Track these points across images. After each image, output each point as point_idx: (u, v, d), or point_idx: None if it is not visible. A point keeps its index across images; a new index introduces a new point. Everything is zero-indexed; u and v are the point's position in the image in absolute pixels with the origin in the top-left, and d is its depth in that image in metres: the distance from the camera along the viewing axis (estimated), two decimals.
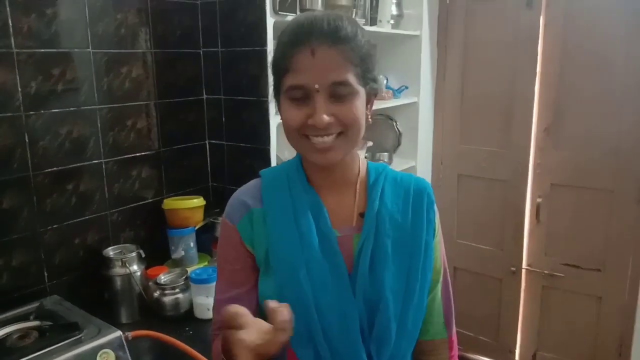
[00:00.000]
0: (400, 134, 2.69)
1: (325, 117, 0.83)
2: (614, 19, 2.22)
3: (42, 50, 1.54)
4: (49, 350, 1.21)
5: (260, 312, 0.95)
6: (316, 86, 0.83)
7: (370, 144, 2.33)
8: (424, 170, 2.78)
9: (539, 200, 2.54)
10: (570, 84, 2.37)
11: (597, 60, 2.28)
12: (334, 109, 0.84)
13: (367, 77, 0.88)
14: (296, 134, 0.87)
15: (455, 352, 1.04)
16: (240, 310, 0.69)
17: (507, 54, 2.51)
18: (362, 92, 0.87)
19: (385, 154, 2.57)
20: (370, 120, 0.93)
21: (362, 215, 0.94)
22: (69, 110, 1.62)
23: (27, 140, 1.52)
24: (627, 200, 2.30)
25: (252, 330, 0.68)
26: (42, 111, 1.55)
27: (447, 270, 1.04)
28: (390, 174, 0.99)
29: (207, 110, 2.03)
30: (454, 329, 1.04)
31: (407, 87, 2.58)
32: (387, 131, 2.70)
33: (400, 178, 0.99)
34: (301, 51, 0.83)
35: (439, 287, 1.00)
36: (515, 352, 2.77)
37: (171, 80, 1.91)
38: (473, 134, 2.71)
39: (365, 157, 2.36)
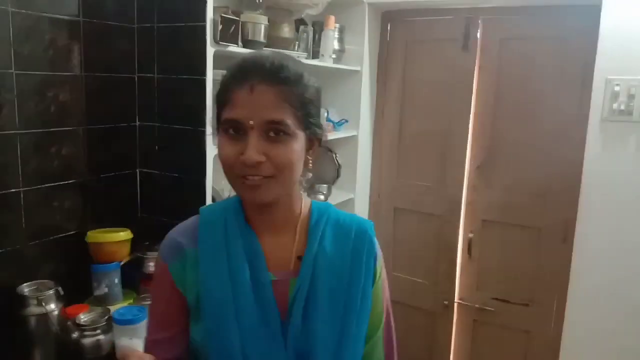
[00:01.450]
0: (339, 166, 2.70)
1: (255, 155, 0.81)
2: (543, 70, 2.34)
3: None
4: None
5: (191, 356, 0.93)
6: (250, 122, 0.81)
7: (309, 175, 2.31)
8: (361, 203, 2.79)
9: (470, 235, 2.61)
10: (502, 126, 2.47)
11: (527, 107, 2.39)
12: (267, 148, 0.82)
13: (309, 122, 0.86)
14: (230, 170, 0.85)
15: None
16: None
17: (443, 93, 2.59)
18: (300, 136, 0.85)
19: (325, 185, 2.56)
20: (311, 165, 0.91)
21: (300, 258, 0.91)
22: None
23: None
24: (553, 238, 2.40)
25: None
26: None
27: (391, 314, 1.01)
28: (333, 216, 0.96)
29: (140, 138, 1.95)
30: None
31: (347, 121, 2.60)
32: (326, 163, 2.70)
33: (343, 220, 0.96)
34: (241, 86, 0.82)
35: (380, 332, 0.97)
36: None
37: (102, 105, 1.82)
38: (409, 169, 2.76)
39: (303, 188, 2.34)
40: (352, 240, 0.94)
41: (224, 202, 0.98)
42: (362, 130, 2.67)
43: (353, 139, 2.64)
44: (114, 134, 1.88)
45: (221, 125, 0.85)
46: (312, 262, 0.90)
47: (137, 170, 1.97)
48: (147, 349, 0.95)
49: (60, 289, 1.57)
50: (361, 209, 2.80)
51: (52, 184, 1.69)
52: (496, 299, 2.59)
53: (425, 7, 2.55)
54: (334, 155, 2.69)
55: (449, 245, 2.67)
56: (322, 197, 2.47)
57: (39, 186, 1.65)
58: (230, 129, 0.83)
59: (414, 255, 2.80)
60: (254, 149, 0.81)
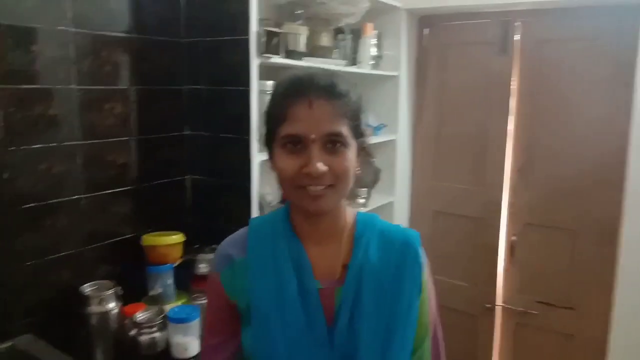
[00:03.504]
0: (379, 170, 2.74)
1: (321, 166, 0.85)
2: (581, 71, 2.33)
3: (25, 86, 1.54)
4: None
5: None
6: (312, 136, 0.85)
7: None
8: (401, 206, 2.82)
9: (513, 238, 2.60)
10: (542, 128, 2.46)
11: (566, 109, 2.38)
12: (327, 159, 0.86)
13: (359, 131, 0.91)
14: (290, 182, 0.88)
15: None
16: None
17: (481, 96, 2.60)
18: (354, 145, 0.90)
19: (364, 190, 2.60)
20: (358, 171, 0.95)
21: (345, 267, 0.94)
22: (49, 145, 1.61)
23: (4, 176, 1.51)
24: (596, 240, 2.37)
25: None
26: (23, 147, 1.55)
27: (439, 327, 1.02)
28: (379, 226, 0.99)
29: (189, 146, 2.04)
30: None
31: (385, 125, 2.64)
32: (366, 167, 2.73)
33: (388, 230, 0.98)
34: (299, 102, 0.86)
35: (427, 344, 0.97)
36: None
37: (152, 116, 1.92)
38: (448, 171, 2.77)
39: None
40: (397, 250, 0.95)
41: (272, 213, 1.02)
42: (401, 134, 2.71)
43: (391, 143, 2.67)
44: (165, 143, 1.98)
45: (280, 140, 0.89)
46: (357, 270, 0.93)
47: (187, 177, 2.07)
48: (203, 353, 1.03)
49: (119, 288, 1.67)
50: (400, 212, 2.83)
51: (109, 191, 1.80)
52: (540, 302, 2.57)
53: (461, 12, 2.57)
54: (373, 160, 2.73)
55: (490, 247, 2.67)
56: (361, 201, 2.51)
57: (97, 193, 1.76)
58: (289, 143, 0.87)
59: (453, 257, 2.80)
60: (317, 160, 0.85)
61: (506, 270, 2.66)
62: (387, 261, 0.94)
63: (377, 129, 2.59)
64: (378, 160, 2.73)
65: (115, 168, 1.82)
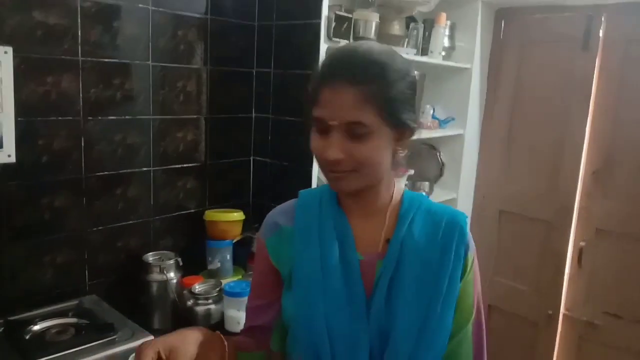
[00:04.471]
0: (443, 164, 2.67)
1: (334, 153, 0.84)
2: None
3: (106, 60, 1.62)
4: (83, 348, 1.26)
5: (280, 324, 1.00)
6: (333, 122, 0.84)
7: (411, 172, 2.33)
8: (464, 203, 2.74)
9: (582, 244, 2.46)
10: (623, 132, 2.30)
11: None
12: (348, 146, 0.85)
13: (396, 117, 0.87)
14: (319, 162, 0.90)
15: None
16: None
17: (559, 95, 2.46)
18: (385, 131, 0.86)
19: (426, 183, 2.55)
20: (402, 154, 0.93)
21: (388, 241, 0.94)
22: (124, 118, 1.70)
23: (83, 144, 1.60)
24: None
25: None
26: (100, 117, 1.63)
27: (482, 313, 0.98)
28: (425, 205, 0.98)
29: (255, 128, 2.08)
30: None
31: (453, 119, 2.57)
32: (429, 161, 2.68)
33: (435, 210, 0.97)
34: (326, 86, 0.85)
35: (469, 329, 0.94)
36: None
37: (223, 96, 1.98)
38: (518, 171, 2.66)
39: (405, 185, 2.36)
40: (443, 229, 0.94)
41: (321, 187, 1.03)
42: (469, 129, 2.62)
43: (459, 138, 2.60)
44: (232, 124, 2.03)
45: (313, 121, 0.89)
46: (399, 245, 0.92)
47: (251, 158, 2.11)
48: (247, 314, 1.07)
49: (179, 260, 1.73)
50: (463, 209, 2.74)
51: (177, 166, 1.87)
52: (607, 313, 2.42)
53: (543, 4, 2.45)
54: (437, 154, 2.67)
55: (557, 252, 2.54)
56: (423, 194, 2.47)
57: (166, 167, 1.84)
58: (318, 125, 0.87)
59: (517, 260, 2.69)
60: (333, 148, 0.84)
61: (572, 277, 2.53)
62: (432, 239, 0.93)
63: (444, 122, 2.53)
64: (443, 154, 2.67)
65: (185, 144, 1.89)
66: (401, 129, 0.89)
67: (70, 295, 1.59)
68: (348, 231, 0.95)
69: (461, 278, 0.92)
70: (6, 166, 1.45)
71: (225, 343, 0.90)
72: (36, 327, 1.38)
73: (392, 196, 0.97)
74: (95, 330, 1.37)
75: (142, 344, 0.82)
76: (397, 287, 0.90)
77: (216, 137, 1.98)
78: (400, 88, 0.86)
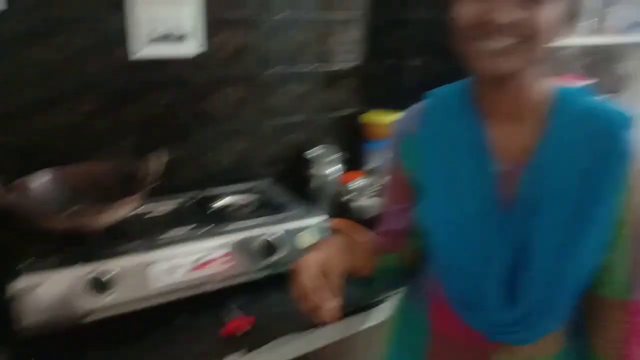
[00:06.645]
0: (626, 76, 2.40)
1: (506, 15, 0.72)
2: None
3: None
4: (263, 221, 1.40)
5: (415, 229, 0.97)
6: None
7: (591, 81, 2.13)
8: None
9: None
10: None
11: None
12: (515, 11, 0.72)
13: None
14: (468, 34, 0.77)
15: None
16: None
17: None
18: (558, 3, 0.74)
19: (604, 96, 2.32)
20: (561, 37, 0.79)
21: (533, 150, 0.82)
22: (292, 16, 1.76)
23: (261, 40, 1.71)
24: None
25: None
26: (278, 16, 1.72)
27: None
28: (580, 105, 0.82)
29: (415, 29, 2.02)
30: None
31: None
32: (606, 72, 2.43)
33: (592, 110, 0.81)
34: None
35: (626, 245, 0.81)
36: None
37: None
38: None
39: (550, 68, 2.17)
40: (599, 136, 0.79)
41: (454, 85, 0.94)
42: None
43: None
44: (393, 24, 2.00)
45: None
46: (545, 154, 0.81)
47: (412, 61, 2.08)
48: (383, 218, 1.04)
49: (342, 155, 1.82)
50: None
51: (338, 68, 1.93)
52: None
53: None
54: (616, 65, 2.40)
55: None
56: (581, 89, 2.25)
57: (329, 69, 1.90)
58: None
59: None
60: (504, 8, 0.72)
61: None
62: (585, 148, 0.79)
63: (632, 28, 2.23)
64: (627, 66, 2.39)
65: (347, 44, 1.92)
66: (574, 8, 0.78)
67: (248, 177, 1.75)
68: (484, 137, 0.85)
69: (618, 191, 0.79)
70: (198, 56, 1.59)
71: (368, 246, 0.94)
72: (222, 202, 1.56)
73: (542, 95, 0.83)
74: (273, 206, 1.51)
75: (300, 260, 0.83)
76: (538, 202, 0.80)
77: (379, 37, 1.98)
78: None
